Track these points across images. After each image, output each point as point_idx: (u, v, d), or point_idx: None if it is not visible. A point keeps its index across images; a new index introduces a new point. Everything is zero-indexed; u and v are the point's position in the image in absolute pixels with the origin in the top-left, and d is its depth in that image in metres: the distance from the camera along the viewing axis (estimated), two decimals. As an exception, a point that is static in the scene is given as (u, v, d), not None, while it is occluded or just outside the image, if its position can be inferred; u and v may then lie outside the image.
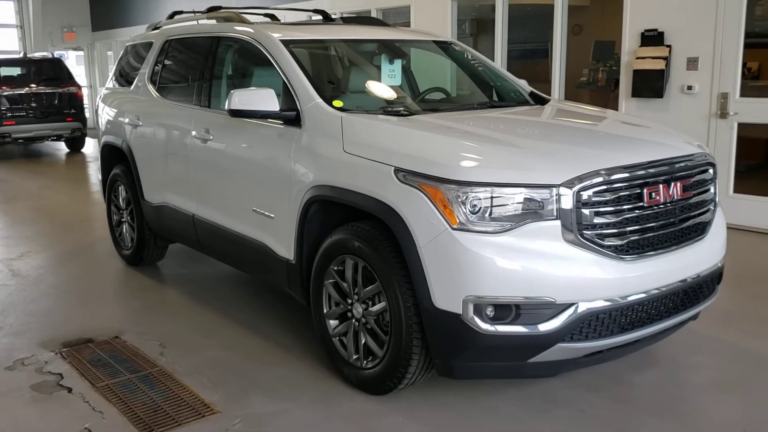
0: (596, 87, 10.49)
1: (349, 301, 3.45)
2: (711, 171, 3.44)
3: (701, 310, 3.40)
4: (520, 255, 2.87)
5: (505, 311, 2.89)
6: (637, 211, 3.02)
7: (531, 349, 2.95)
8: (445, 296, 2.93)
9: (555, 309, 2.88)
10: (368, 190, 3.19)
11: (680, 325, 3.38)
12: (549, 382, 3.43)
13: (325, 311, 3.60)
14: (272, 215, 3.88)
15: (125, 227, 5.65)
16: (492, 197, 2.89)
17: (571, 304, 2.88)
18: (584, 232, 2.91)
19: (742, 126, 6.57)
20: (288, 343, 4.06)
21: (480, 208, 2.89)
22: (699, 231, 3.32)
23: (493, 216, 2.89)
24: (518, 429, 3.11)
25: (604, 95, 9.81)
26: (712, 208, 3.44)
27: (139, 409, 3.31)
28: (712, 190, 3.45)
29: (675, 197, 3.16)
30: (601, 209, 2.94)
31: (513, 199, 2.89)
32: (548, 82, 7.97)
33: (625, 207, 2.99)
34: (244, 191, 4.10)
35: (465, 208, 2.89)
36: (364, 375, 3.37)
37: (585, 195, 2.91)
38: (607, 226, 2.96)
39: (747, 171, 7.14)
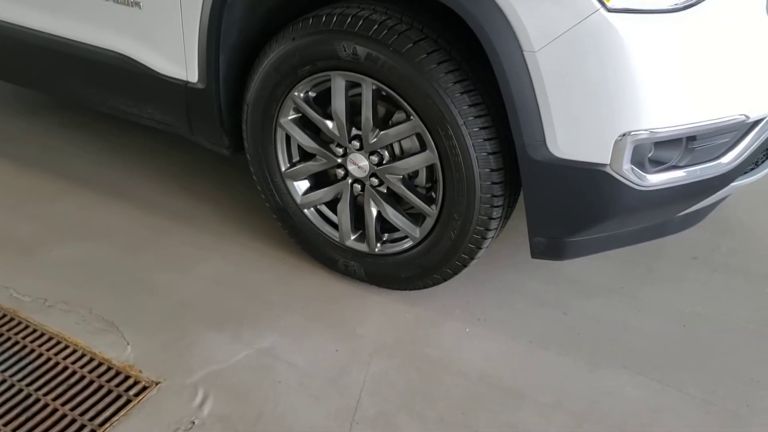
0: None
1: (340, 150, 1.98)
2: None
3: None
4: (710, 47, 1.61)
5: (669, 149, 1.69)
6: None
7: (695, 197, 1.83)
8: (579, 137, 1.63)
9: (741, 130, 1.74)
10: (395, -59, 1.61)
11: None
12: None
13: (283, 169, 2.10)
14: (138, 1, 2.09)
15: None
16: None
17: (762, 118, 1.76)
18: (788, -7, 1.71)
19: None
20: (193, 212, 2.51)
21: (652, -37, 1.52)
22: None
23: (672, -22, 1.54)
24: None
25: None
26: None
27: (-8, 415, 1.73)
28: None
29: None
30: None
31: (702, -61, 1.55)
32: None
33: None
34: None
35: (629, -32, 1.50)
36: (382, 263, 2.06)
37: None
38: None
39: None
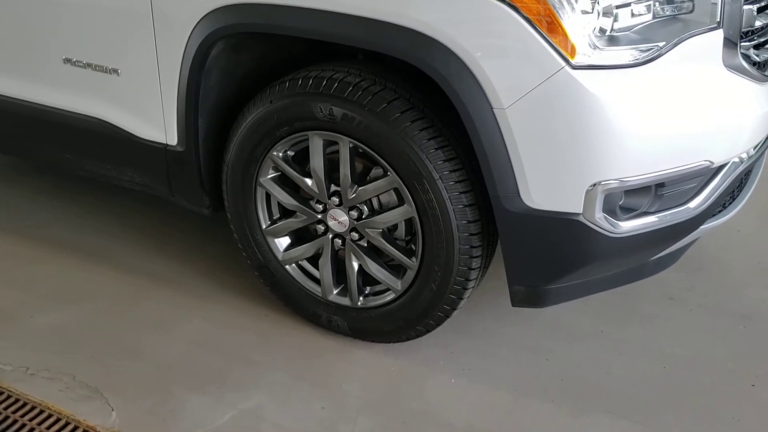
0: None
1: (320, 206, 2.02)
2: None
3: None
4: (672, 98, 1.69)
5: (639, 197, 1.74)
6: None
7: (667, 241, 1.88)
8: (551, 188, 1.68)
9: (706, 175, 1.80)
10: (368, 7, 1.68)
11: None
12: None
13: (263, 226, 2.13)
14: (117, 68, 2.14)
15: None
16: (630, -1, 1.60)
17: (726, 163, 1.83)
18: (742, 44, 1.79)
19: None
20: (173, 273, 2.51)
21: (612, 21, 1.59)
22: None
23: (633, 33, 1.62)
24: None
25: None
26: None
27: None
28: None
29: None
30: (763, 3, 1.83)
31: (659, -1, 1.63)
32: None
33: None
34: (42, 28, 2.23)
35: (594, 26, 1.57)
36: (365, 317, 2.08)
37: (754, -18, 1.75)
38: (762, 31, 1.87)
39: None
